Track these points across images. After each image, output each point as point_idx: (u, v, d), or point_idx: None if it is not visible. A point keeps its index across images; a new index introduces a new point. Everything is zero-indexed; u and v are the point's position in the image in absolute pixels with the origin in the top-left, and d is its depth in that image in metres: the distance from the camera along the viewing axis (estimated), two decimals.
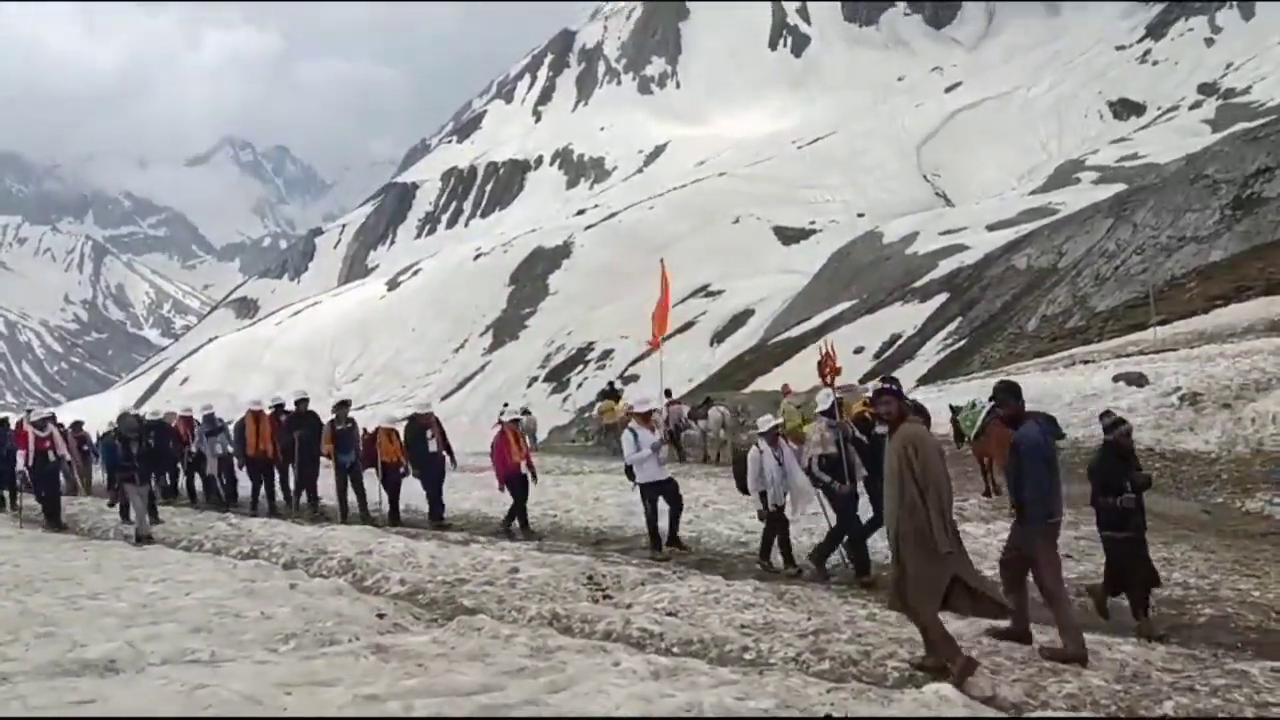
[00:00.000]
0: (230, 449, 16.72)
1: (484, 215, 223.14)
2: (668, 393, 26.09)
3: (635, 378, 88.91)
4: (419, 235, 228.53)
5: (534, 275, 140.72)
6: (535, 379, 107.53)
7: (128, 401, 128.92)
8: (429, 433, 14.34)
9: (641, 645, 7.41)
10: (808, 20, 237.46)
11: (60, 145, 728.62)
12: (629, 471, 11.94)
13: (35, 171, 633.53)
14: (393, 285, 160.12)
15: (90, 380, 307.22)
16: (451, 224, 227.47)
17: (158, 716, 5.15)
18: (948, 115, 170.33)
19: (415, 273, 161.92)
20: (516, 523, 13.40)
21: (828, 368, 10.19)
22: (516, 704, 5.39)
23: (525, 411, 34.50)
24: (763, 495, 10.45)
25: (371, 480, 14.95)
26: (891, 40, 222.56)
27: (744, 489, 11.00)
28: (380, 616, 8.24)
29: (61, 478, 15.88)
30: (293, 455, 15.52)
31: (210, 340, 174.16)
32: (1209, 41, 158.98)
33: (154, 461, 14.23)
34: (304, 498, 15.78)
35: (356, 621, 7.93)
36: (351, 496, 15.12)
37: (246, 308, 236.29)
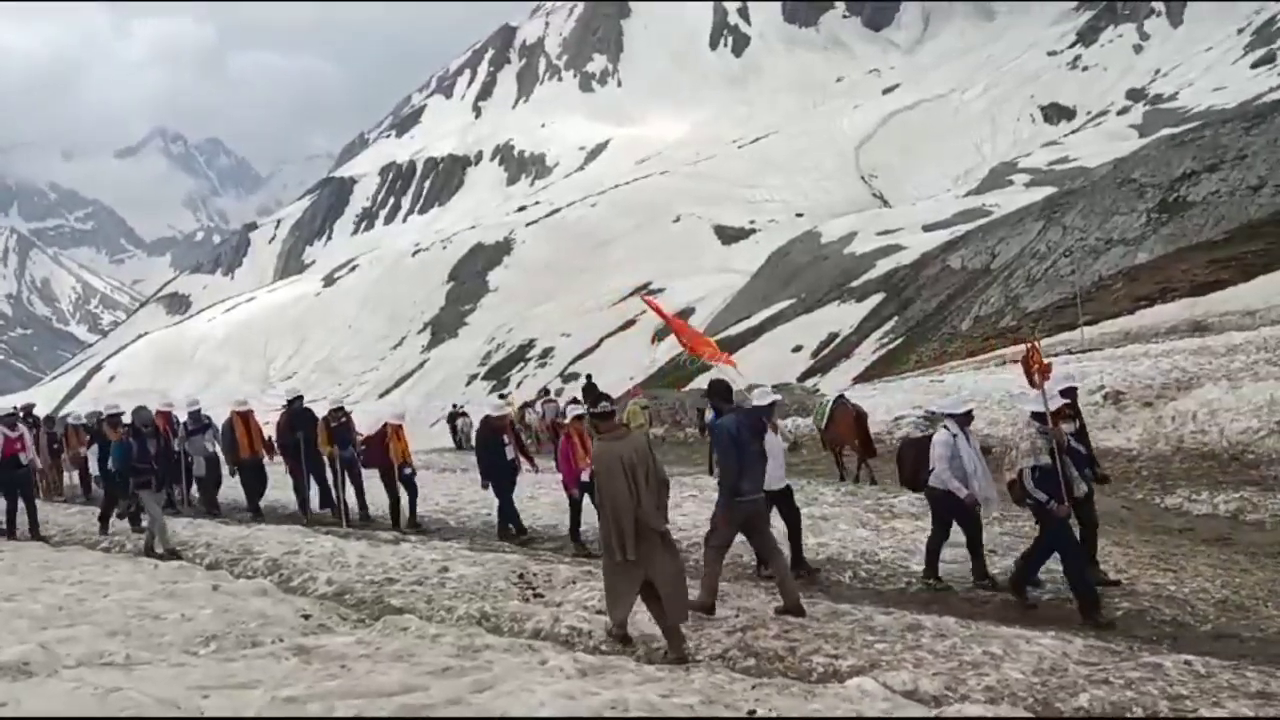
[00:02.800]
0: (217, 449, 15.49)
1: (423, 211, 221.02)
2: (545, 390, 27.71)
3: (575, 375, 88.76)
4: (356, 231, 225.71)
5: (474, 272, 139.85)
6: (475, 377, 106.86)
7: (53, 399, 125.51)
8: (505, 437, 12.81)
9: (570, 643, 7.39)
10: (748, 21, 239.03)
11: None
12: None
13: None
14: (329, 281, 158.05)
15: (14, 377, 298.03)
16: (389, 220, 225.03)
17: (69, 718, 5.02)
18: (885, 117, 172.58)
19: (352, 269, 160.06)
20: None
21: (1034, 365, 8.67)
22: (439, 704, 5.34)
23: (462, 413, 34.40)
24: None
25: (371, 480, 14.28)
26: (830, 42, 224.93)
27: (908, 481, 10.11)
28: (305, 617, 8.12)
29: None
30: (299, 457, 14.49)
31: (139, 337, 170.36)
32: (1138, 48, 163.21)
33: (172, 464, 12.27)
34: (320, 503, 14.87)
35: (280, 623, 7.81)
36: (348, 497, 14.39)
37: (178, 304, 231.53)
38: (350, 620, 8.30)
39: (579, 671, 6.12)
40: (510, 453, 12.72)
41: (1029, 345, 8.85)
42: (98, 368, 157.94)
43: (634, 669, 6.25)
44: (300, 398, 15.51)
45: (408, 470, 13.86)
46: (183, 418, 16.08)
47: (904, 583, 9.53)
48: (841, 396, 15.79)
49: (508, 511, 12.70)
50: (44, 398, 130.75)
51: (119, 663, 6.44)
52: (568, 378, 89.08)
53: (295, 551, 10.88)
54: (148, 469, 11.09)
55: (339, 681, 5.74)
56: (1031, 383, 8.68)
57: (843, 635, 7.23)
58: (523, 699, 5.40)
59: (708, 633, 7.47)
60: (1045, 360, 8.69)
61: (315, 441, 14.34)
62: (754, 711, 5.38)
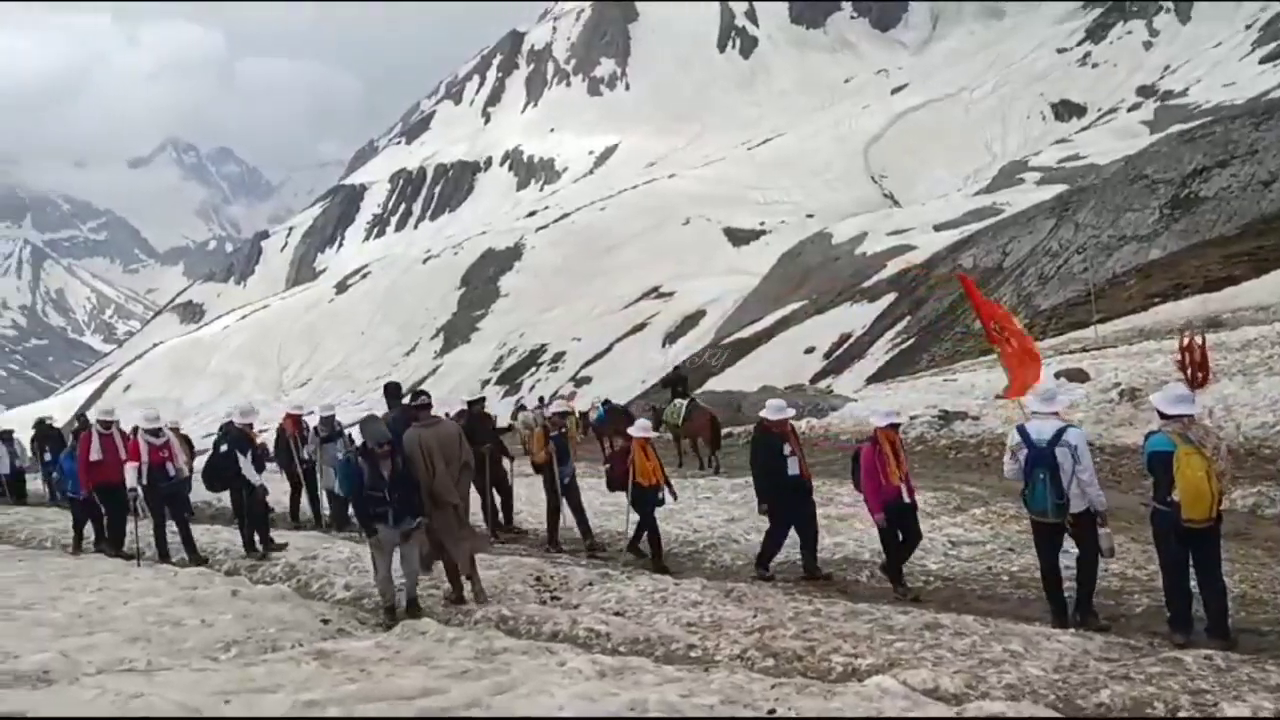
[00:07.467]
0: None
1: (433, 217, 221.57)
2: (541, 400, 30.28)
3: (588, 379, 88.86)
4: (368, 238, 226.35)
5: (485, 277, 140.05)
6: (487, 382, 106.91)
7: (69, 409, 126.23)
8: (787, 446, 9.92)
9: (588, 645, 7.40)
10: (755, 22, 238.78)
11: None
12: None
13: None
14: (341, 288, 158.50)
15: (30, 388, 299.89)
16: (400, 226, 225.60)
17: None
18: (894, 117, 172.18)
19: (364, 275, 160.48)
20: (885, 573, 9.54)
21: (1189, 361, 6.79)
22: (458, 706, 5.36)
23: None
24: None
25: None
26: (838, 43, 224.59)
27: None
28: (324, 622, 8.16)
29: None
30: (480, 470, 12.11)
31: (154, 346, 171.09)
32: (1147, 45, 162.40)
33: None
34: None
35: (300, 627, 7.85)
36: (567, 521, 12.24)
37: (191, 312, 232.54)
38: (369, 624, 8.33)
39: (598, 673, 6.12)
40: (794, 466, 9.78)
41: (1187, 339, 7.43)
42: (113, 377, 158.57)
43: (653, 669, 6.25)
44: (481, 400, 13.83)
45: (660, 496, 11.43)
46: (313, 422, 14.73)
47: (921, 581, 9.50)
48: (693, 400, 20.51)
49: (810, 554, 9.93)
50: (60, 408, 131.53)
51: (140, 669, 6.48)
52: (580, 381, 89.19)
53: (313, 557, 10.93)
54: (383, 498, 8.52)
55: (359, 685, 5.76)
56: (1191, 382, 7.20)
57: (861, 634, 7.22)
58: (541, 701, 5.41)
59: (726, 633, 7.47)
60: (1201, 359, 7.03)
61: (496, 453, 12.90)
62: (774, 711, 5.38)
